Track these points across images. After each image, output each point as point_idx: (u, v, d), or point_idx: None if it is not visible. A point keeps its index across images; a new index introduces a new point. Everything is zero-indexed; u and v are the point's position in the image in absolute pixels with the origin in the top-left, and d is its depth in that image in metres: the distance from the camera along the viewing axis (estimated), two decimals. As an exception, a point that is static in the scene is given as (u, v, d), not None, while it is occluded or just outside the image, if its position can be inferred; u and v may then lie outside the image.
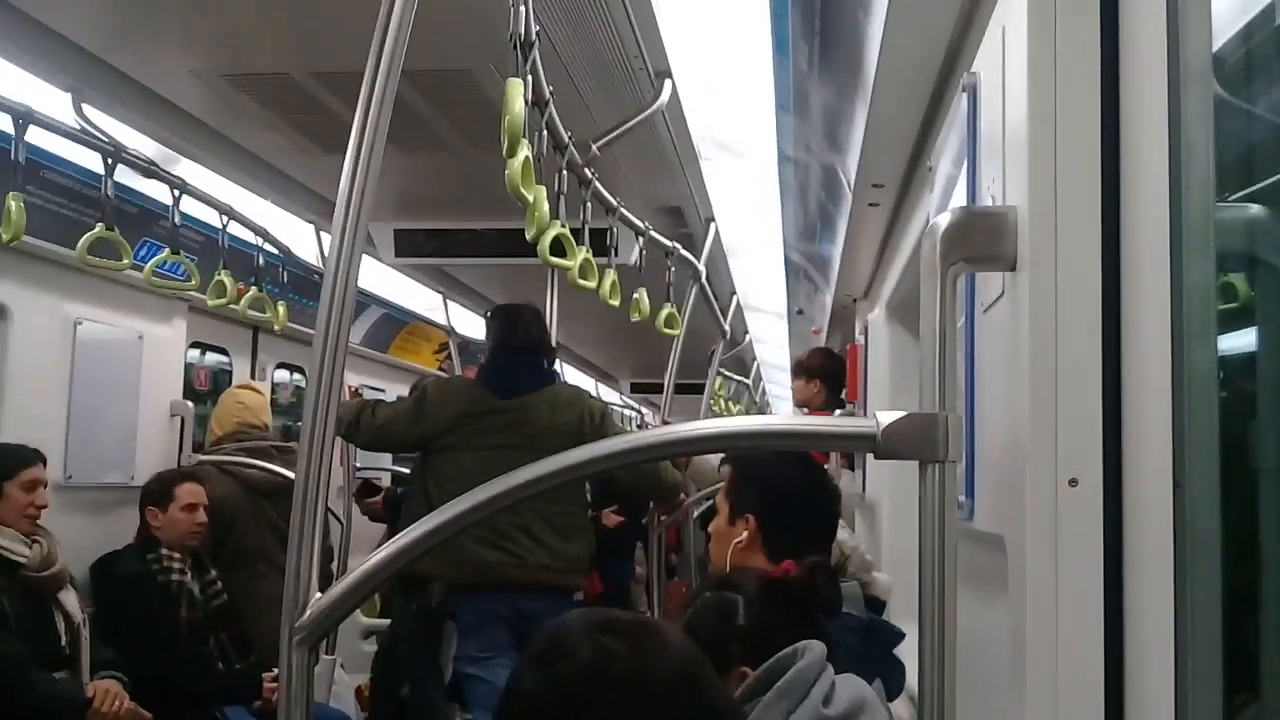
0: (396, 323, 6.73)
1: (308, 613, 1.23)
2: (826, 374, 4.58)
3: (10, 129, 3.01)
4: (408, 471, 5.55)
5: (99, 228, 3.33)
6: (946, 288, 1.24)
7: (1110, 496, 1.19)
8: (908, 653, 2.17)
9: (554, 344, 4.18)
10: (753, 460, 2.21)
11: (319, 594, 1.25)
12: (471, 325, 7.22)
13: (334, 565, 4.96)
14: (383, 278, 5.47)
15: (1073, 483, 1.20)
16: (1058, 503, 1.20)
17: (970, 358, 1.54)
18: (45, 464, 3.55)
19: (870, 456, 3.78)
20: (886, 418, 1.17)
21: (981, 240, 1.31)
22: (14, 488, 3.40)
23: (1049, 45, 1.28)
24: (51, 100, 3.18)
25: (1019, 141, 1.31)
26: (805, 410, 4.71)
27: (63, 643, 3.40)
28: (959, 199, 1.69)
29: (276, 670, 3.94)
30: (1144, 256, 1.20)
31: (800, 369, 4.85)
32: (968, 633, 1.18)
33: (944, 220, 1.30)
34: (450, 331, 6.84)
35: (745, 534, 2.11)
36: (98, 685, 3.34)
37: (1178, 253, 1.16)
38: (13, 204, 2.97)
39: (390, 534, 5.35)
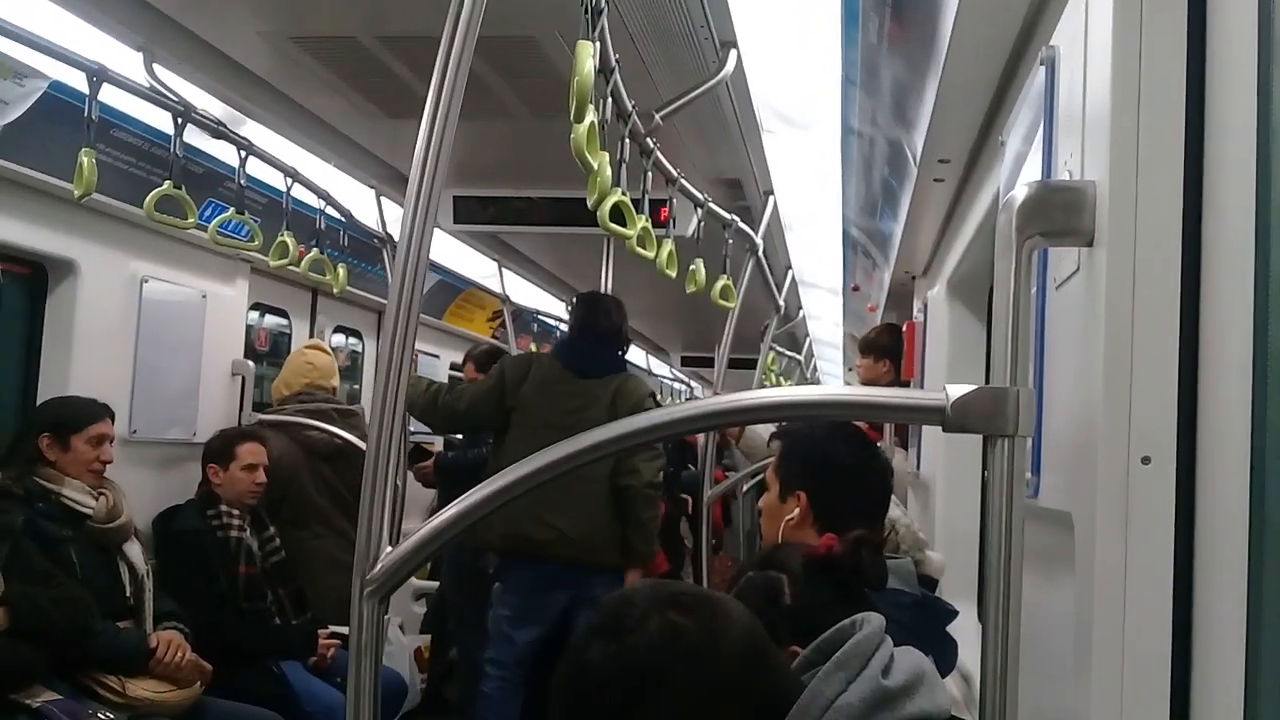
0: (452, 289, 6.78)
1: (378, 566, 1.25)
2: (898, 353, 4.34)
3: (84, 86, 3.06)
4: (459, 437, 5.61)
5: (167, 185, 3.39)
6: (1021, 262, 1.23)
7: (1184, 475, 1.18)
8: (958, 630, 2.18)
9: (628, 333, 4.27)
10: (801, 436, 2.19)
11: (389, 548, 1.27)
12: (525, 293, 7.26)
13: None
14: (439, 243, 5.50)
15: (1145, 460, 1.18)
16: (1129, 480, 1.18)
17: (1040, 333, 1.52)
18: (114, 419, 3.62)
19: (925, 434, 3.73)
20: (956, 391, 1.17)
21: (1059, 215, 1.29)
22: (80, 441, 3.48)
23: (1134, 19, 1.25)
24: (123, 59, 3.22)
25: (1100, 116, 1.28)
26: None
27: (127, 594, 3.49)
28: (1031, 174, 1.66)
29: (332, 628, 4.04)
30: (1226, 234, 1.18)
31: (870, 347, 4.58)
32: (1030, 611, 1.17)
33: (1020, 194, 1.28)
34: (505, 299, 6.87)
35: (796, 510, 2.11)
36: (161, 635, 3.43)
37: (1263, 231, 1.14)
38: (85, 160, 3.02)
39: (442, 498, 5.42)
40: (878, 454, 2.36)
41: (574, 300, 4.42)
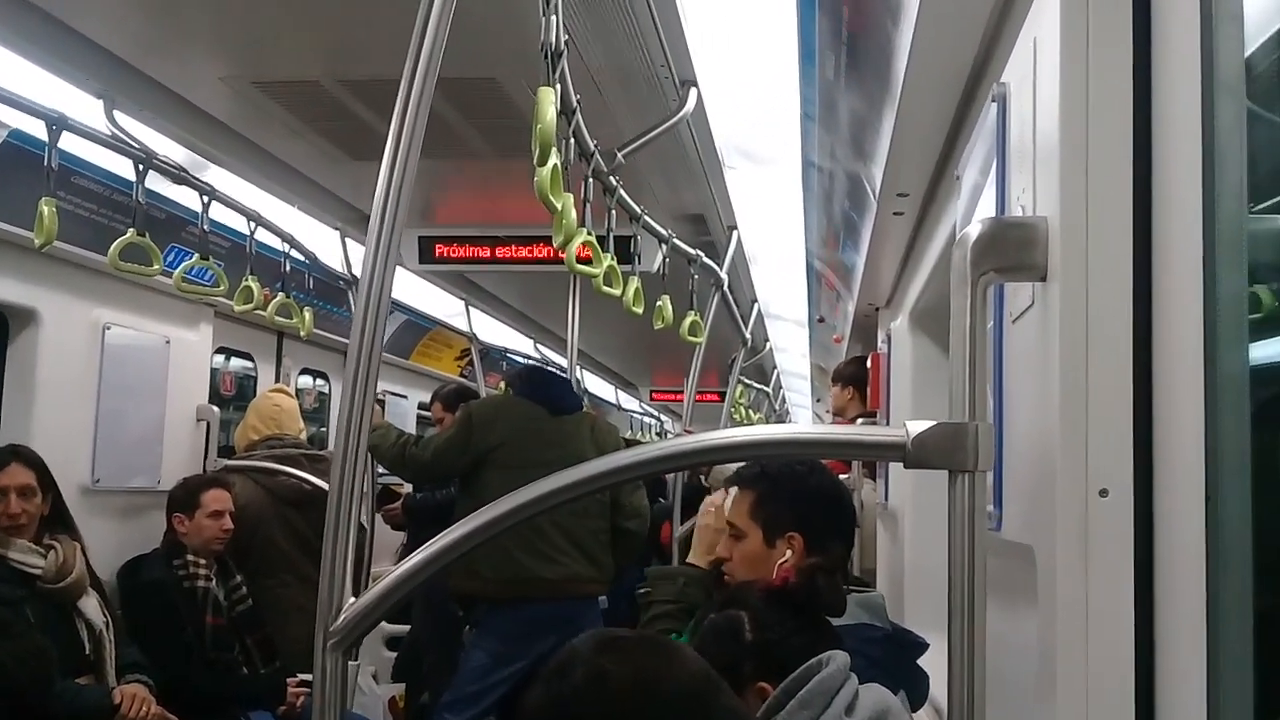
0: (419, 329, 6.76)
1: (342, 617, 1.24)
2: (862, 381, 4.56)
3: (43, 134, 3.05)
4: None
5: (130, 233, 3.36)
6: (977, 298, 1.24)
7: (1141, 507, 1.19)
8: (930, 663, 2.17)
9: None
10: (783, 476, 2.15)
11: (353, 598, 1.25)
12: (493, 332, 7.25)
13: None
14: (405, 284, 5.50)
15: (1103, 493, 1.19)
16: (1088, 513, 1.19)
17: (998, 368, 1.54)
18: (29, 461, 3.38)
19: (892, 466, 3.73)
20: (916, 427, 1.17)
21: (1012, 250, 1.31)
22: None
23: (1081, 56, 1.28)
24: (83, 106, 3.21)
25: (1050, 152, 1.30)
26: (838, 418, 4.83)
27: (86, 650, 3.39)
28: (986, 209, 1.69)
29: (301, 676, 3.95)
30: (1175, 267, 1.20)
31: (838, 376, 4.96)
32: (995, 644, 1.18)
33: (975, 230, 1.30)
34: (472, 338, 6.86)
35: (790, 553, 2.07)
36: (124, 690, 3.33)
37: (1210, 263, 1.16)
38: (45, 209, 2.99)
39: (411, 540, 5.37)
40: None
41: (514, 378, 4.61)
